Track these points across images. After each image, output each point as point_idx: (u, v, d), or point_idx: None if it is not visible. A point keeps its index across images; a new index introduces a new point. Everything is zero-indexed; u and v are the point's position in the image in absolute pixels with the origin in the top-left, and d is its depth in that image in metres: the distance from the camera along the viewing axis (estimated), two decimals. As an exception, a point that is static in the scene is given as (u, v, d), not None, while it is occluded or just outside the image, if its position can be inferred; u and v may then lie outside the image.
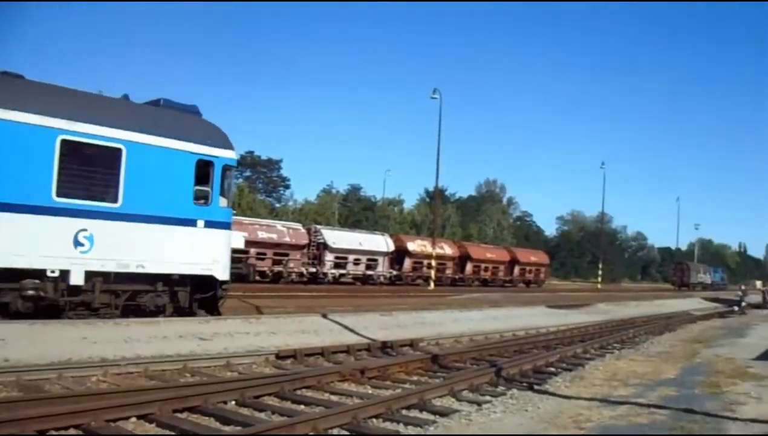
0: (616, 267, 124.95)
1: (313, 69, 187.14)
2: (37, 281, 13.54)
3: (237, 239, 17.87)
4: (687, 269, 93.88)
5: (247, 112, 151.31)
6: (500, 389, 11.40)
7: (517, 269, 66.18)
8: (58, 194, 13.57)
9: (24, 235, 13.20)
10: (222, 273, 16.31)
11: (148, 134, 15.08)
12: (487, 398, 10.45)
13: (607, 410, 8.83)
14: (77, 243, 13.89)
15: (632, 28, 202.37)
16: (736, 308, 39.12)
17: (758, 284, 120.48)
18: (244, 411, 9.15)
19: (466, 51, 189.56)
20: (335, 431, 8.15)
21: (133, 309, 15.22)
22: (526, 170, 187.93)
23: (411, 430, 8.28)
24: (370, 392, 11.04)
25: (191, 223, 15.81)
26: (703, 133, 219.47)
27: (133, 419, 8.28)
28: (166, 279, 15.62)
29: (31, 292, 13.55)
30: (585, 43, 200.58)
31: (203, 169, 15.98)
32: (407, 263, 51.32)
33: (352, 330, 17.12)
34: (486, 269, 61.05)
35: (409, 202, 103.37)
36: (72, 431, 7.63)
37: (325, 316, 18.10)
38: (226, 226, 16.59)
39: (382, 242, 49.34)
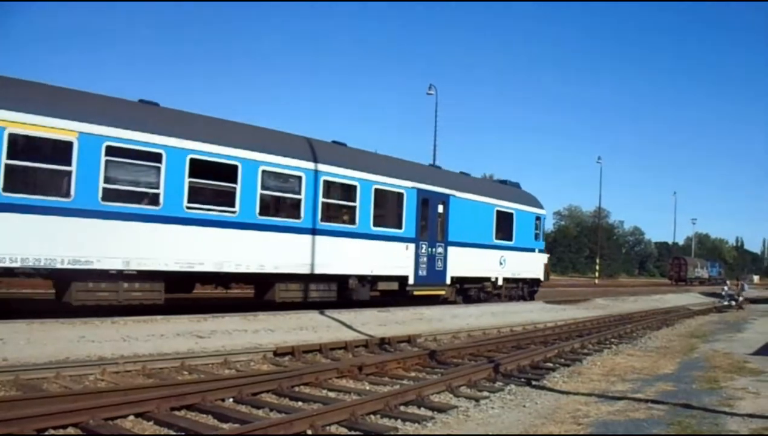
0: (614, 262, 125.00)
1: (307, 68, 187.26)
2: (488, 283, 26.85)
3: (545, 258, 31.80)
4: (684, 264, 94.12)
5: (242, 111, 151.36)
6: (498, 384, 11.42)
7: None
8: (496, 238, 27.04)
9: (484, 260, 26.47)
10: (543, 277, 30.97)
11: (520, 204, 29.30)
12: (485, 393, 10.48)
13: (605, 406, 8.86)
14: (500, 263, 27.40)
15: (630, 23, 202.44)
16: (733, 303, 39.11)
17: (756, 278, 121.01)
18: (242, 408, 9.14)
19: (462, 48, 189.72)
20: (333, 428, 8.16)
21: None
22: (523, 165, 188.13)
23: (409, 426, 8.26)
24: (367, 388, 11.04)
25: (533, 250, 30.00)
26: (700, 128, 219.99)
27: (131, 417, 8.27)
28: (522, 281, 29.33)
29: (489, 289, 26.94)
30: (582, 38, 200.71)
31: (535, 221, 30.41)
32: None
33: (349, 327, 17.13)
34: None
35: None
36: (70, 430, 7.62)
37: (322, 312, 18.11)
38: (543, 251, 31.37)
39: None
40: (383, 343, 15.66)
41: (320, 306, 18.93)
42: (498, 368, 12.43)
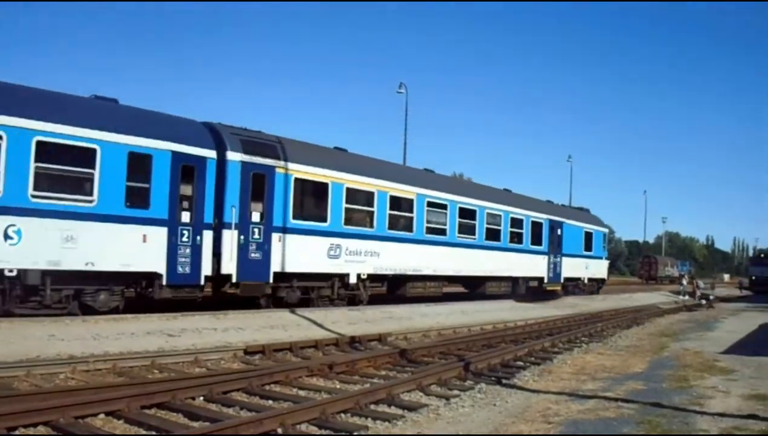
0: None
1: (287, 69, 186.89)
2: (580, 281, 38.02)
3: (607, 264, 44.26)
4: (654, 263, 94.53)
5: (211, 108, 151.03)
6: (468, 383, 11.48)
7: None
8: (584, 250, 38.11)
9: (579, 265, 37.55)
10: (605, 276, 42.73)
11: (595, 225, 40.33)
12: (456, 392, 10.51)
13: (575, 404, 8.91)
14: (586, 268, 38.27)
15: (600, 24, 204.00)
16: (704, 302, 39.51)
17: (726, 277, 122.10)
18: (213, 407, 9.12)
19: (429, 49, 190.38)
20: (303, 427, 8.15)
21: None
22: (492, 164, 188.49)
23: (379, 425, 8.28)
24: (338, 387, 11.05)
25: (601, 258, 41.18)
26: (670, 127, 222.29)
27: (102, 416, 8.22)
28: (595, 280, 40.20)
29: (581, 286, 37.96)
30: (552, 38, 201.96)
31: (603, 237, 41.68)
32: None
33: (320, 325, 17.08)
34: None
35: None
36: (41, 429, 7.56)
37: (293, 311, 18.03)
38: (608, 259, 44.17)
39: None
40: (354, 342, 15.66)
41: (289, 305, 18.89)
42: (468, 366, 12.48)
